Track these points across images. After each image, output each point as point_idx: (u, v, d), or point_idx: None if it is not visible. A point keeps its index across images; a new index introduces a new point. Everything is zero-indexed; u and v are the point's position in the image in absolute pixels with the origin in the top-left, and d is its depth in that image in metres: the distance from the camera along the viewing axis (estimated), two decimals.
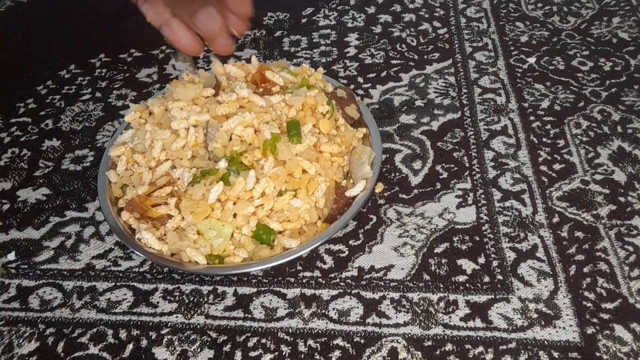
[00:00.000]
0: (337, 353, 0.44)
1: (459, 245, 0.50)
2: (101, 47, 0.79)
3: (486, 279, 0.47)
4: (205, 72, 0.59)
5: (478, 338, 0.44)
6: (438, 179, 0.56)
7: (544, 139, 0.59)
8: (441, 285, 0.47)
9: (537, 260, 0.48)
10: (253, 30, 0.79)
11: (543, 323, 0.44)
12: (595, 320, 0.44)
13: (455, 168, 0.57)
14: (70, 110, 0.69)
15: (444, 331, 0.44)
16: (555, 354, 0.42)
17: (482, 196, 0.54)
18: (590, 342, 0.43)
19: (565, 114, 0.62)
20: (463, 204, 0.53)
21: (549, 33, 0.73)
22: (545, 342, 0.43)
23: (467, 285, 0.47)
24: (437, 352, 0.43)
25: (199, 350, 0.45)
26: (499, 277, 0.47)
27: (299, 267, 0.50)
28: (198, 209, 0.47)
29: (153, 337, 0.46)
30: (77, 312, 0.48)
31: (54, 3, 0.88)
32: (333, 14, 0.80)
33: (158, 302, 0.48)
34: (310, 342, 0.44)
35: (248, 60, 0.59)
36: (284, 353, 0.44)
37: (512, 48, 0.71)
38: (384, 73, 0.69)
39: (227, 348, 0.44)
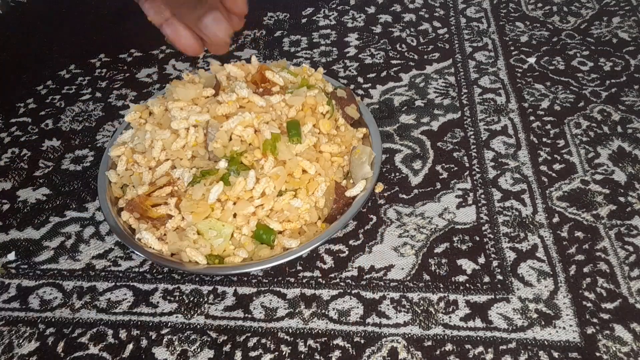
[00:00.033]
0: (337, 353, 0.44)
1: (459, 245, 0.50)
2: (101, 47, 0.79)
3: (486, 279, 0.47)
4: (205, 72, 0.59)
5: (478, 338, 0.43)
6: (438, 179, 0.56)
7: (544, 139, 0.59)
8: (441, 285, 0.47)
9: (537, 260, 0.48)
10: (253, 30, 0.79)
11: (543, 323, 0.44)
12: (595, 320, 0.44)
13: (455, 168, 0.57)
14: (70, 110, 0.69)
15: (444, 331, 0.44)
16: (555, 354, 0.42)
17: (482, 196, 0.54)
18: (590, 342, 0.43)
19: (565, 114, 0.62)
20: (463, 204, 0.53)
21: (549, 33, 0.73)
22: (545, 342, 0.43)
23: (467, 285, 0.47)
24: (437, 352, 0.43)
25: (199, 350, 0.45)
26: (499, 277, 0.47)
27: (299, 267, 0.50)
28: (198, 209, 0.47)
29: (153, 337, 0.46)
30: (77, 312, 0.48)
31: (54, 3, 0.88)
32: (333, 14, 0.80)
33: (158, 302, 0.48)
34: (310, 342, 0.44)
35: (248, 60, 0.59)
36: (284, 353, 0.44)
37: (512, 48, 0.71)
38: (384, 73, 0.69)
39: (227, 348, 0.44)
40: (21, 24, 0.85)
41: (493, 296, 0.46)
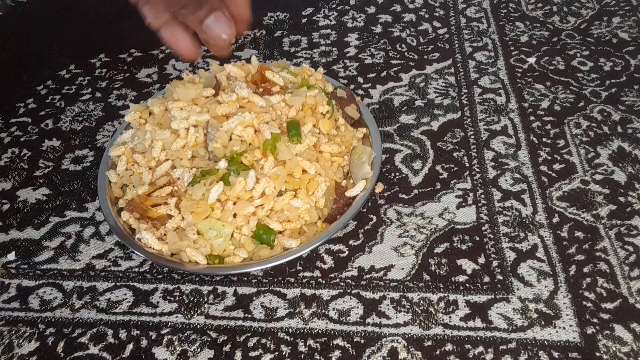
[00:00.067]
0: (337, 353, 0.44)
1: (459, 245, 0.50)
2: (101, 47, 0.79)
3: (486, 279, 0.47)
4: (205, 72, 0.59)
5: (478, 338, 0.44)
6: (438, 179, 0.56)
7: (544, 139, 0.59)
8: (441, 285, 0.47)
9: (537, 260, 0.48)
10: (253, 30, 0.79)
11: (543, 323, 0.44)
12: (595, 320, 0.44)
13: (455, 168, 0.57)
14: (70, 110, 0.69)
15: (444, 331, 0.44)
16: (555, 354, 0.42)
17: (482, 196, 0.54)
18: (590, 342, 0.43)
19: (565, 114, 0.62)
20: (463, 204, 0.53)
21: (549, 33, 0.73)
22: (545, 342, 0.43)
23: (467, 285, 0.47)
24: (437, 352, 0.43)
25: (199, 350, 0.45)
26: (499, 277, 0.47)
27: (299, 267, 0.50)
28: (198, 209, 0.47)
29: (153, 337, 0.46)
30: (77, 312, 0.48)
31: (54, 3, 0.88)
32: (333, 14, 0.80)
33: (158, 302, 0.48)
34: (310, 342, 0.44)
35: (248, 60, 0.59)
36: (284, 353, 0.44)
37: (512, 48, 0.71)
38: (384, 73, 0.69)
39: (227, 348, 0.44)
40: (21, 24, 0.85)
41: (493, 296, 0.46)
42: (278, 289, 0.48)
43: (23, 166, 0.63)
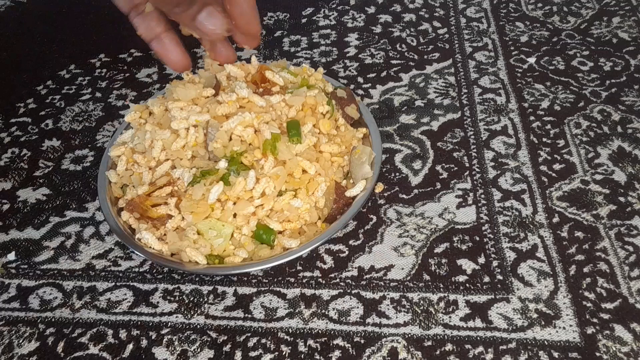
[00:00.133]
0: (337, 353, 0.44)
1: (459, 245, 0.50)
2: (101, 47, 0.79)
3: (486, 279, 0.47)
4: (205, 72, 0.59)
5: (478, 338, 0.44)
6: (438, 179, 0.56)
7: (544, 139, 0.59)
8: (441, 285, 0.47)
9: (537, 260, 0.48)
10: None
11: (543, 323, 0.44)
12: (595, 320, 0.44)
13: (455, 168, 0.57)
14: (70, 110, 0.69)
15: (444, 331, 0.44)
16: (555, 354, 0.42)
17: (482, 196, 0.54)
18: (590, 342, 0.43)
19: (565, 114, 0.62)
20: (463, 204, 0.53)
21: (549, 33, 0.73)
22: (545, 342, 0.43)
23: (467, 285, 0.47)
24: (437, 352, 0.43)
25: (199, 350, 0.45)
26: (499, 277, 0.47)
27: (299, 267, 0.50)
28: (198, 209, 0.47)
29: (153, 337, 0.46)
30: (77, 312, 0.48)
31: (54, 3, 0.88)
32: (333, 14, 0.80)
33: (158, 302, 0.48)
34: (310, 342, 0.44)
35: (248, 60, 0.59)
36: (284, 353, 0.44)
37: (512, 48, 0.71)
38: (384, 73, 0.69)
39: (227, 348, 0.44)
40: (21, 23, 0.85)
41: (493, 296, 0.46)
42: (278, 289, 0.48)
43: (23, 166, 0.63)
